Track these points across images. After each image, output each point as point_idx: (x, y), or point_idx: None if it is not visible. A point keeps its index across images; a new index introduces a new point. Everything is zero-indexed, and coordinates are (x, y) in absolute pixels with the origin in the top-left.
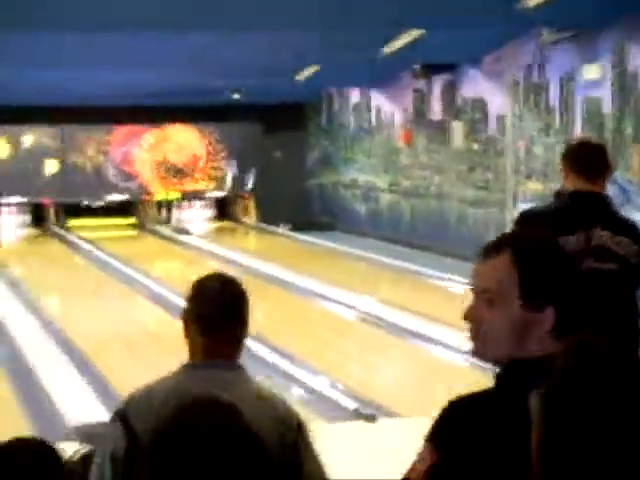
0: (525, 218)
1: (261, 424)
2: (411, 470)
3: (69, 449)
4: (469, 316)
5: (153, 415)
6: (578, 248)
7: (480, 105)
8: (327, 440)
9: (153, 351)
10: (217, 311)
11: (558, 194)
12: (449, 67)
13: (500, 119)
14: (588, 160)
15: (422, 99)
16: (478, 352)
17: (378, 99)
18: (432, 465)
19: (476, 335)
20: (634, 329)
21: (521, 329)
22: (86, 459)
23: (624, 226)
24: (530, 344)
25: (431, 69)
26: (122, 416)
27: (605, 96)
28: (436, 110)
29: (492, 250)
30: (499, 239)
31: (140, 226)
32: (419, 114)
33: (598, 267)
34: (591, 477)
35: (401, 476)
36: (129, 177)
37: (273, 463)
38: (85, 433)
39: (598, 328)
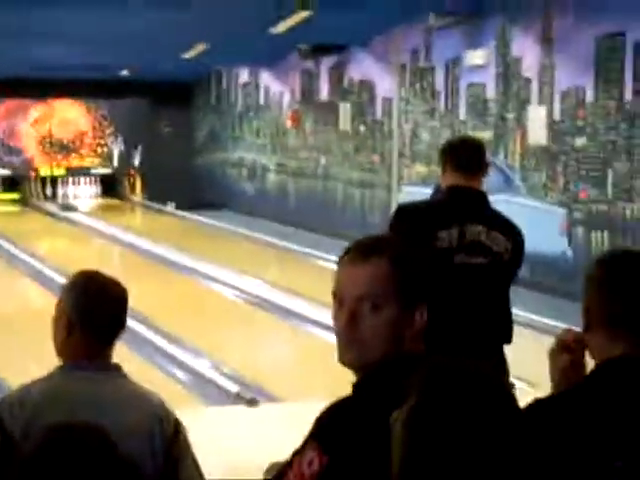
0: (403, 212)
1: (138, 423)
2: (295, 473)
3: None
4: (349, 324)
5: (26, 416)
6: (452, 243)
7: (368, 87)
8: (207, 424)
9: (35, 332)
10: (105, 314)
11: (436, 189)
12: (337, 48)
13: (387, 102)
14: (466, 157)
15: (310, 80)
16: (352, 361)
17: (267, 79)
18: (322, 468)
19: (352, 343)
20: (505, 323)
21: (397, 330)
22: None
23: (500, 223)
24: (404, 344)
25: (319, 50)
26: None
27: (489, 81)
28: (324, 91)
29: (365, 255)
30: (370, 244)
31: (25, 202)
32: (307, 95)
33: (469, 261)
34: None
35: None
36: (14, 152)
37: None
38: None
39: (468, 323)
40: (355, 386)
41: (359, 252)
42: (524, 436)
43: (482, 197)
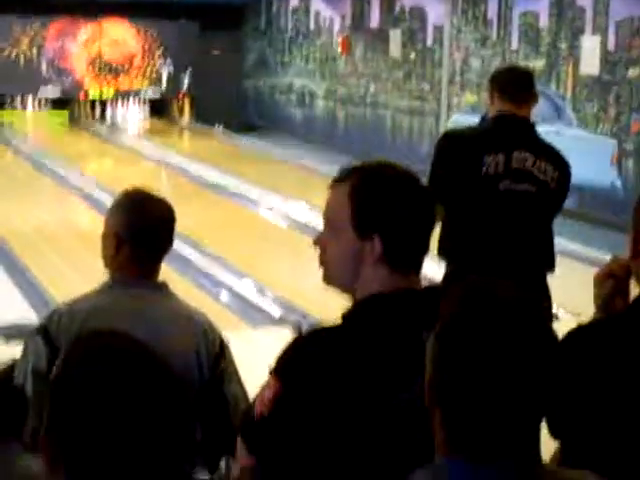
0: (449, 138)
1: (184, 339)
2: (259, 397)
3: None
4: (317, 243)
5: (75, 332)
6: (497, 168)
7: (419, 14)
8: (250, 346)
9: (83, 250)
10: (153, 232)
11: (483, 118)
12: None
13: (438, 29)
14: (515, 86)
15: (361, 6)
16: (325, 278)
17: (317, 4)
18: (275, 396)
19: (321, 262)
20: (547, 251)
21: (355, 258)
22: (5, 374)
23: (547, 151)
24: (364, 274)
25: None
26: (43, 331)
27: (542, 10)
28: (375, 18)
29: (336, 181)
30: (345, 169)
31: (74, 123)
32: (358, 21)
33: (514, 188)
34: (482, 408)
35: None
36: (63, 73)
37: (181, 391)
38: (9, 333)
39: (511, 249)
40: (343, 316)
41: (335, 179)
42: (558, 359)
43: (530, 125)
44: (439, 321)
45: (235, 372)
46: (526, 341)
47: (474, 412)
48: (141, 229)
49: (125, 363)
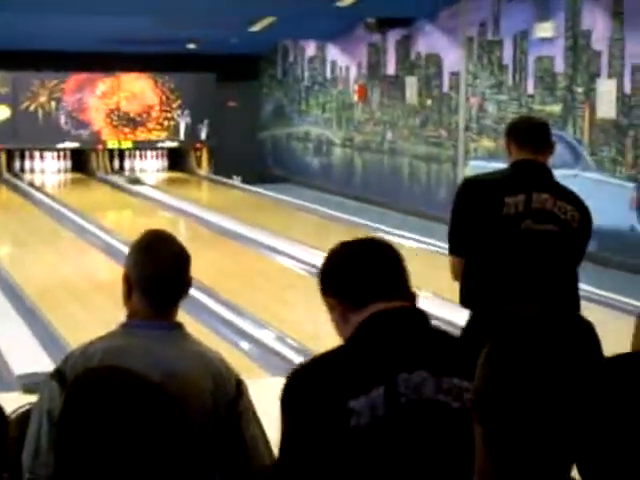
0: (470, 183)
1: (199, 381)
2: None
3: (13, 400)
4: None
5: None
6: (518, 208)
7: (435, 61)
8: (272, 394)
9: (102, 301)
10: (162, 274)
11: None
12: (404, 21)
13: (454, 75)
14: (531, 134)
15: (377, 54)
16: None
17: (333, 52)
18: (284, 433)
19: None
20: (572, 293)
21: None
22: (22, 420)
23: (566, 194)
24: None
25: (386, 23)
26: (59, 375)
27: (557, 55)
28: (391, 65)
29: None
30: None
31: (92, 175)
32: (374, 69)
33: (536, 228)
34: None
35: None
36: (81, 125)
37: (191, 428)
38: (28, 384)
39: (535, 289)
40: None
41: None
42: (602, 381)
43: (547, 169)
44: (491, 340)
45: (254, 414)
46: (573, 364)
47: (514, 432)
48: (149, 272)
49: (125, 396)
